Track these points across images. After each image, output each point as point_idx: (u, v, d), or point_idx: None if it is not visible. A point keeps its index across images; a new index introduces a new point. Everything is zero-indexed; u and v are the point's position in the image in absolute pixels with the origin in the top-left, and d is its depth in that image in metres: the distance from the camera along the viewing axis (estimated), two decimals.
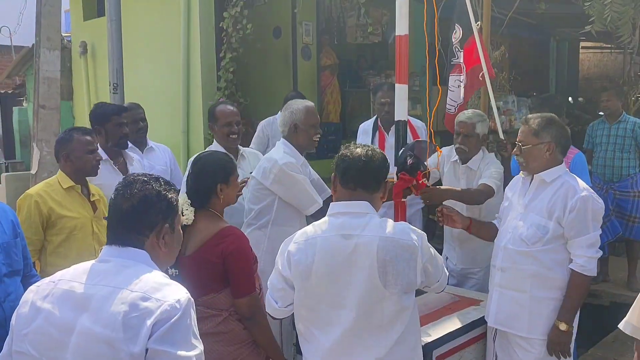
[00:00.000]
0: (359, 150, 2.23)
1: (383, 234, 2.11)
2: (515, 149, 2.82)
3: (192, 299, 1.64)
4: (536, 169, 2.76)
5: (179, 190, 1.94)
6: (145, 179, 1.77)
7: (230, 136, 3.71)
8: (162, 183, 1.78)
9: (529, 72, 9.28)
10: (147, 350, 1.52)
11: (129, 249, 1.70)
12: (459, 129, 3.57)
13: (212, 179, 2.58)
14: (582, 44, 11.22)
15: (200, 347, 1.59)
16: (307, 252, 2.17)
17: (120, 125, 3.74)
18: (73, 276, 1.68)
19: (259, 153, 4.06)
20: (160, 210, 1.73)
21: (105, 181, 3.51)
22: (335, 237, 2.15)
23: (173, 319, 1.54)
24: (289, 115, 3.34)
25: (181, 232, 1.85)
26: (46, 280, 1.74)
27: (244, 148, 3.93)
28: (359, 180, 2.19)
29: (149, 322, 1.53)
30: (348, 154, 2.23)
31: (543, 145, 2.72)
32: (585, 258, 2.66)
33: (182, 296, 1.60)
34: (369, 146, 2.28)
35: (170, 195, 1.77)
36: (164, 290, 1.59)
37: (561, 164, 2.78)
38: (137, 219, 1.71)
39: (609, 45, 10.41)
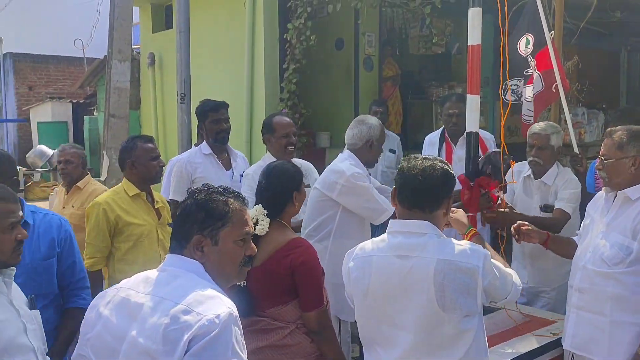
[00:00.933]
0: (418, 163, 2.09)
1: (441, 255, 2.00)
2: (597, 163, 2.67)
3: (236, 314, 1.56)
4: (620, 184, 2.58)
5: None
6: (200, 189, 1.75)
7: (288, 147, 3.62)
8: (212, 193, 1.72)
9: (599, 84, 8.92)
10: None
11: (183, 258, 1.67)
12: (532, 141, 3.45)
13: (290, 187, 2.56)
14: None
15: None
16: (364, 271, 2.11)
17: (217, 121, 3.95)
18: (132, 284, 1.69)
19: (310, 165, 3.98)
20: (196, 221, 1.68)
21: (208, 175, 3.75)
22: (391, 257, 2.07)
23: (211, 335, 1.48)
24: (367, 130, 3.26)
25: (236, 247, 1.71)
26: (113, 286, 1.76)
27: (296, 159, 3.83)
28: (414, 201, 2.08)
29: (186, 337, 1.49)
30: (405, 170, 2.10)
31: (628, 159, 2.54)
32: None
33: (222, 311, 1.52)
34: (430, 160, 2.11)
35: (212, 205, 1.68)
36: (207, 304, 1.53)
37: None
38: (178, 228, 1.71)
39: None
